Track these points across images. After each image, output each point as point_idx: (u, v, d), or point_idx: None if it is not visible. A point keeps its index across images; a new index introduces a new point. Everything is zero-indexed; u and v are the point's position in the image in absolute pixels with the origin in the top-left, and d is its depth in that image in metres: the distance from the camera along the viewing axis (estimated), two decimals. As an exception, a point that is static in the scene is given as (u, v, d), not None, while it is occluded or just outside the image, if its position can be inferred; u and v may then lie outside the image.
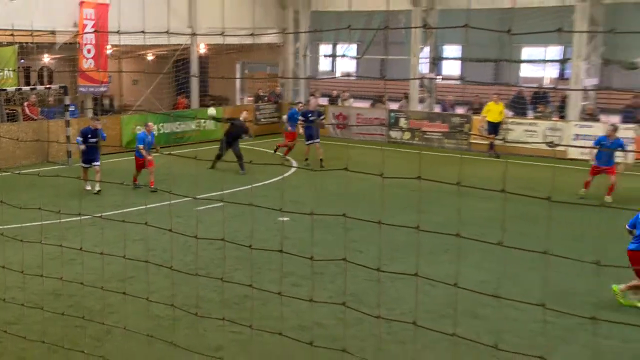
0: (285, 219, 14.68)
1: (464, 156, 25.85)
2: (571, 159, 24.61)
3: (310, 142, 22.87)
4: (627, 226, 10.51)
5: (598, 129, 25.60)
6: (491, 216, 14.53)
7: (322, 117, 26.48)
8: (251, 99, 33.57)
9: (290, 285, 10.99)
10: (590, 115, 26.60)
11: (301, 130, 23.17)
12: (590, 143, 24.86)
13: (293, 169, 21.89)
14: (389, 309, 10.11)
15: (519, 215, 14.91)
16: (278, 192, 18.28)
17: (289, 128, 23.67)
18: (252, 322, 9.18)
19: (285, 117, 24.98)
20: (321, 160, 22.20)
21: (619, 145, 17.81)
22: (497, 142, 25.94)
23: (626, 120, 26.14)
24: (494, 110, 26.10)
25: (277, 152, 23.84)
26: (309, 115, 23.54)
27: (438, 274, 10.21)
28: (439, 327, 8.90)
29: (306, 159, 22.73)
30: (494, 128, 26.00)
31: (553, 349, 8.78)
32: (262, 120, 30.32)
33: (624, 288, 10.31)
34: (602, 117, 26.89)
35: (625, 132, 24.87)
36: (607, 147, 17.41)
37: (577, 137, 25.64)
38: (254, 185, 19.10)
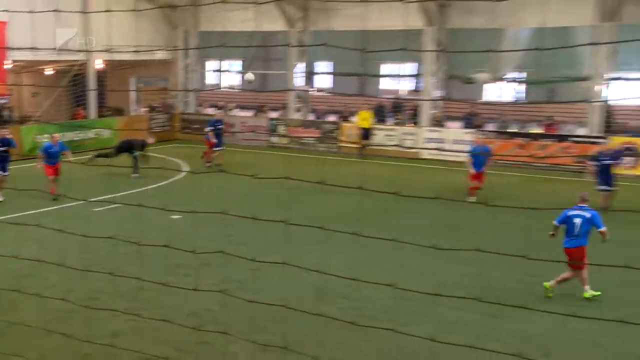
0: (177, 217, 14.36)
1: (335, 158, 26.15)
2: (423, 159, 25.45)
3: (219, 148, 22.48)
4: (555, 222, 10.34)
5: (445, 134, 26.62)
6: (356, 210, 14.74)
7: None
8: (146, 109, 32.77)
9: (182, 276, 10.76)
10: (438, 122, 27.58)
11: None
12: (439, 145, 25.76)
13: (183, 173, 21.44)
14: (269, 294, 10.05)
15: (379, 208, 15.22)
16: (169, 193, 17.89)
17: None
18: (147, 310, 8.96)
19: (208, 128, 24.33)
20: (219, 164, 21.82)
21: (487, 150, 18.16)
22: (365, 145, 26.51)
23: (467, 126, 27.31)
24: (365, 118, 26.79)
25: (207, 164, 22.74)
26: (218, 124, 23.09)
27: (309, 261, 10.26)
28: (313, 307, 8.95)
29: (218, 164, 22.24)
30: (365, 133, 26.67)
31: (405, 322, 8.95)
32: (156, 128, 29.63)
33: (553, 284, 10.21)
34: (448, 124, 27.94)
35: (465, 135, 26.00)
36: (477, 152, 17.57)
37: (429, 140, 26.48)
38: (148, 187, 18.64)
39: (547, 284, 10.20)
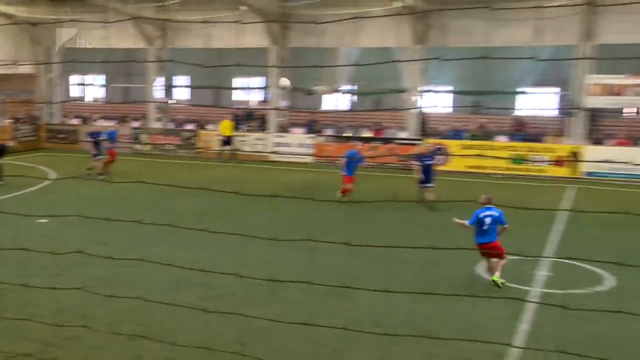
0: (43, 221, 13.47)
1: (194, 162, 25.71)
2: (272, 161, 25.67)
3: (99, 157, 21.12)
4: (468, 223, 10.06)
5: (290, 138, 26.97)
6: (205, 209, 14.64)
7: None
8: (10, 120, 30.44)
9: (47, 276, 10.10)
10: (284, 129, 27.91)
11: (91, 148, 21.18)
12: (285, 149, 25.95)
13: (49, 181, 20.12)
14: (133, 288, 9.69)
15: (230, 206, 15.16)
16: (35, 199, 16.77)
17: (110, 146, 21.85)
18: (12, 310, 8.34)
19: (89, 139, 22.78)
20: (101, 173, 20.60)
21: (360, 157, 17.75)
22: (228, 150, 26.35)
23: (309, 131, 27.86)
24: (227, 127, 26.64)
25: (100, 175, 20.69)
26: (99, 135, 21.68)
27: (168, 256, 10.04)
28: (175, 298, 8.77)
29: (100, 173, 20.58)
30: (227, 140, 26.54)
31: (260, 305, 8.99)
32: (21, 138, 27.65)
33: (497, 275, 9.91)
34: (292, 130, 28.33)
35: (308, 140, 26.53)
36: (354, 158, 17.28)
37: (277, 144, 26.73)
38: (14, 194, 17.33)
39: (495, 278, 9.97)
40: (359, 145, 20.92)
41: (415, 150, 19.45)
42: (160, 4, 26.99)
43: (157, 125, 29.60)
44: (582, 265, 10.62)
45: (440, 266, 10.48)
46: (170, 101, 32.98)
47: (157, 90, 30.24)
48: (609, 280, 10.28)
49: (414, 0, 23.59)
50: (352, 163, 17.05)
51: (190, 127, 30.63)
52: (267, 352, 7.29)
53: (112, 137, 22.18)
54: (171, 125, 30.59)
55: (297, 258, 11.11)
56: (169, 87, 33.20)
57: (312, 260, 10.99)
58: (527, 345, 7.64)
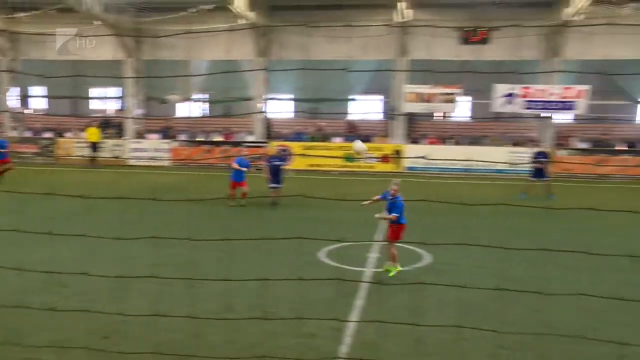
0: None
1: (54, 168, 23.68)
2: (130, 165, 24.40)
3: None
4: (395, 214, 9.52)
5: (147, 144, 25.79)
6: (55, 214, 13.55)
7: None
8: None
9: None
10: (140, 135, 26.67)
11: None
12: (142, 154, 24.87)
13: None
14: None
15: (82, 210, 14.10)
16: None
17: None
18: None
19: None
20: None
21: (248, 164, 16.36)
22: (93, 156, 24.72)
23: (164, 137, 26.86)
24: (94, 133, 24.98)
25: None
26: None
27: (18, 260, 9.06)
28: (30, 300, 7.91)
29: None
30: (94, 146, 24.85)
31: (127, 299, 8.39)
32: None
33: (389, 263, 9.54)
34: (148, 136, 27.14)
35: (163, 145, 25.56)
36: (242, 163, 16.04)
37: (134, 149, 25.45)
38: None
39: (389, 268, 9.70)
40: (245, 151, 20.29)
41: (264, 152, 19.41)
42: (10, 16, 24.60)
43: (13, 134, 26.97)
44: (405, 246, 11.18)
45: (286, 254, 10.49)
46: (26, 110, 30.36)
47: (12, 100, 27.59)
48: (426, 258, 10.92)
49: (257, 18, 23.59)
50: (241, 170, 16.01)
51: (48, 135, 28.22)
52: (131, 344, 6.81)
53: (3, 146, 19.92)
54: (28, 134, 28.02)
55: (147, 254, 10.54)
56: (24, 97, 30.54)
57: (160, 254, 10.51)
58: (361, 318, 7.86)
